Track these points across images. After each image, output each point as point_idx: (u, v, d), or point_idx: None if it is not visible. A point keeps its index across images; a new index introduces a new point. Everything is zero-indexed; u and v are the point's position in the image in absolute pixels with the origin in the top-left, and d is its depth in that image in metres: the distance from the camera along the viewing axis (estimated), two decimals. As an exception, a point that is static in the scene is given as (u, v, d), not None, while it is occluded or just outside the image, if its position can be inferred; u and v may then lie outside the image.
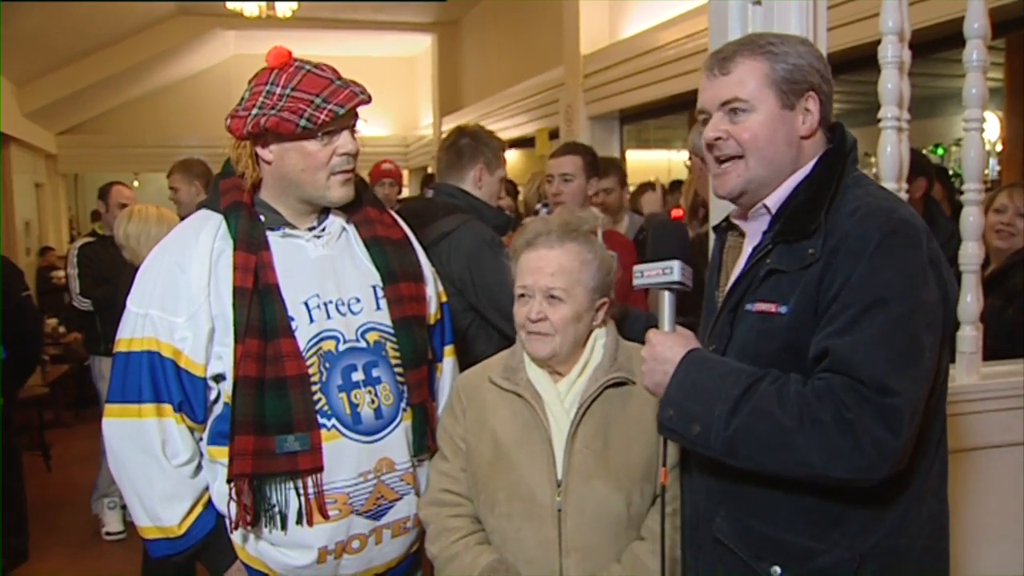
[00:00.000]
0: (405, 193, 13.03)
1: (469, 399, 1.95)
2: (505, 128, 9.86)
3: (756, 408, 1.44)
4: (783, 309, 1.51)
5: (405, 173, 14.49)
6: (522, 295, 1.87)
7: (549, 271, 1.85)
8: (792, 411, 1.41)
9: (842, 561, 1.49)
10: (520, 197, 5.66)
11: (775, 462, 1.44)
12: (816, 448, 1.39)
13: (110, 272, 4.75)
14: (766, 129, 1.57)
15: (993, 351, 2.66)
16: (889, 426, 1.36)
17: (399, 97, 14.40)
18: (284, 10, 9.82)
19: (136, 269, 2.00)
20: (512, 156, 10.96)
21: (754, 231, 1.66)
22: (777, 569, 1.53)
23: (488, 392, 1.93)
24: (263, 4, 9.70)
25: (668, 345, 1.59)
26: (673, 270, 1.64)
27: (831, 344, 1.42)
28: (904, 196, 2.44)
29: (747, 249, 1.67)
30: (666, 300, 1.66)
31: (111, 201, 5.01)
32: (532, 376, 1.89)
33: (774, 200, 1.60)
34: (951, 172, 8.96)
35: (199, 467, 1.92)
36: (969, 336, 2.56)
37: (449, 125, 12.26)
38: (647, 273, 1.68)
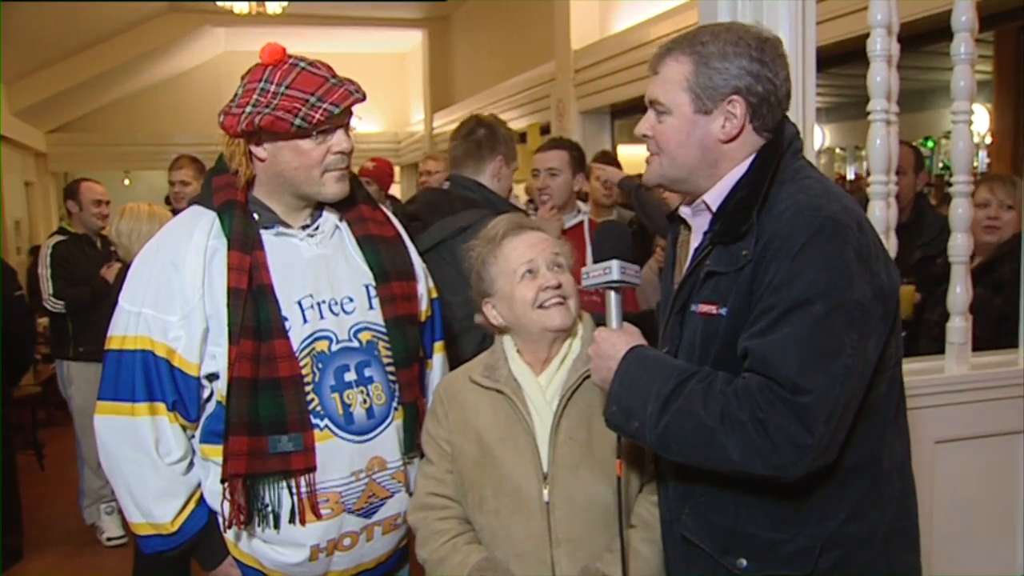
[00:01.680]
0: (394, 190, 13.02)
1: (451, 401, 1.95)
2: (496, 124, 9.84)
3: (681, 407, 1.48)
4: (723, 311, 1.54)
5: (397, 170, 14.46)
6: (528, 271, 1.87)
7: (548, 243, 1.89)
8: (714, 410, 1.44)
9: (804, 549, 1.53)
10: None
11: (703, 458, 1.48)
12: (735, 446, 1.42)
13: (85, 271, 4.71)
14: (679, 134, 1.60)
15: (981, 340, 2.69)
16: (803, 424, 1.38)
17: (390, 93, 14.37)
18: (274, 7, 9.79)
19: (127, 267, 2.00)
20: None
21: (698, 227, 1.68)
22: (743, 561, 1.56)
23: (469, 392, 1.93)
24: (253, 1, 9.67)
25: (612, 342, 1.63)
26: (612, 270, 1.69)
27: (750, 345, 1.46)
28: (894, 189, 2.46)
29: (692, 247, 1.70)
30: (612, 298, 1.71)
31: (83, 199, 4.87)
32: (515, 370, 1.89)
33: (714, 197, 1.61)
34: (941, 165, 9.02)
35: (191, 464, 1.92)
36: (959, 327, 2.58)
37: (440, 121, 12.28)
38: (592, 274, 1.73)
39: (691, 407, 1.46)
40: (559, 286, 1.85)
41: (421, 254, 2.23)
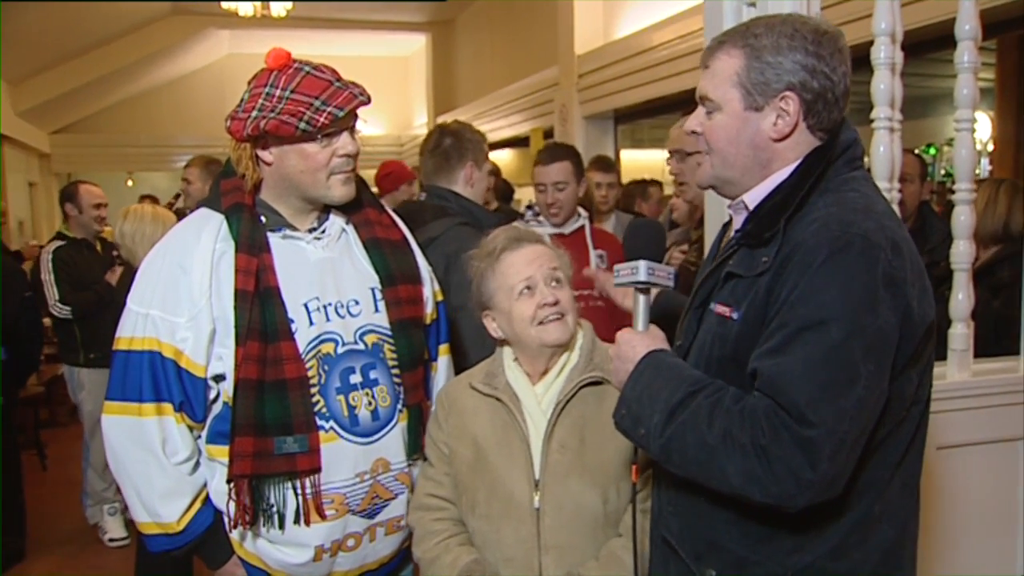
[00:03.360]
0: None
1: (451, 405, 1.97)
2: (499, 128, 9.87)
3: (686, 421, 1.41)
4: (735, 315, 1.48)
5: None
6: (526, 288, 1.86)
7: (546, 258, 1.88)
8: (717, 430, 1.37)
9: (772, 575, 1.47)
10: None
11: (702, 476, 1.42)
12: (735, 470, 1.35)
13: (87, 276, 4.69)
14: (728, 131, 1.52)
15: (979, 341, 2.69)
16: (807, 458, 1.30)
17: (393, 97, 14.40)
18: (278, 10, 9.82)
19: (131, 268, 2.01)
20: (506, 156, 10.99)
21: (734, 225, 1.62)
22: (713, 573, 1.52)
23: (469, 398, 1.95)
24: (258, 3, 9.71)
25: (632, 344, 1.58)
26: (638, 270, 1.64)
27: (760, 365, 1.38)
28: (896, 196, 2.46)
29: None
30: (639, 300, 1.66)
31: (83, 203, 4.83)
32: (511, 379, 1.91)
33: (753, 197, 1.54)
34: (943, 172, 9.02)
35: (197, 464, 1.93)
36: (960, 333, 2.59)
37: (443, 125, 12.29)
38: (622, 272, 1.69)
39: (696, 422, 1.40)
40: (556, 303, 1.85)
41: None
